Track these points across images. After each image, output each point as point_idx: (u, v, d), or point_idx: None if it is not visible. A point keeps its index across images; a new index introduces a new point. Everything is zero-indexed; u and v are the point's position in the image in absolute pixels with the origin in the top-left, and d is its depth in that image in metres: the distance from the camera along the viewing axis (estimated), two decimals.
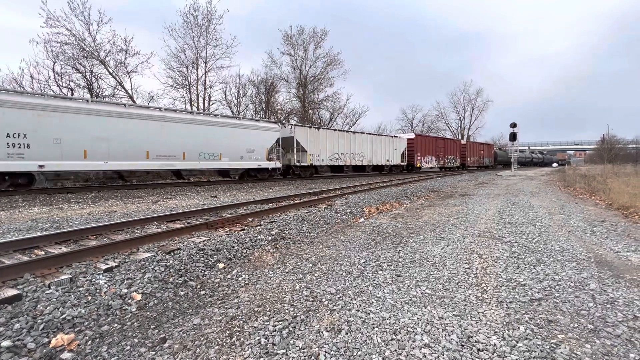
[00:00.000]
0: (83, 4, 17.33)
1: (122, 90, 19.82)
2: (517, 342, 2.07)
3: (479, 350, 1.99)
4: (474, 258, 3.83)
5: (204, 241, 4.28)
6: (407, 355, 1.95)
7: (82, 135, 9.88)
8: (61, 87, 17.39)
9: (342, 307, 2.59)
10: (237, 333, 2.22)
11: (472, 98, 52.70)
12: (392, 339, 2.12)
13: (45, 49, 16.89)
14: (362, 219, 6.41)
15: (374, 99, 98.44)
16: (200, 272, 3.40)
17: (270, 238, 4.65)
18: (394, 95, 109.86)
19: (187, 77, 23.12)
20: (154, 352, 2.01)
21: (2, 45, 28.51)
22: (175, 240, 4.37)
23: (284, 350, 2.01)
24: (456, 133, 52.60)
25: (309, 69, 31.40)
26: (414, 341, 2.09)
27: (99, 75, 18.79)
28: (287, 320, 2.38)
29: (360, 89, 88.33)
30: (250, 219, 5.79)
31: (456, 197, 10.02)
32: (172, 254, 3.73)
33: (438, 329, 2.24)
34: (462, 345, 2.04)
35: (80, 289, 2.76)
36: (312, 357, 1.94)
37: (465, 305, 2.60)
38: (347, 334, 2.19)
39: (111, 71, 19.15)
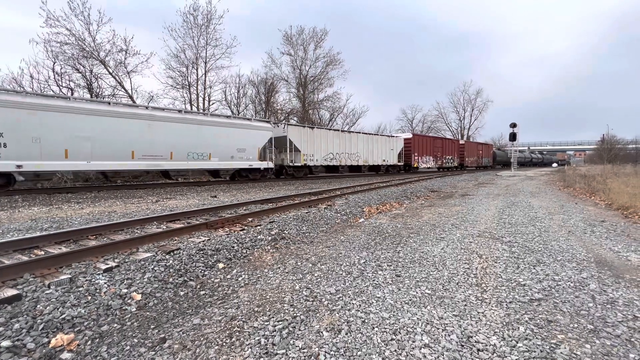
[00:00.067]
0: (83, 4, 17.35)
1: (122, 90, 19.81)
2: (517, 342, 2.07)
3: (478, 350, 1.99)
4: (474, 258, 3.83)
5: (203, 241, 4.28)
6: (407, 355, 1.95)
7: (63, 134, 9.54)
8: (61, 87, 17.38)
9: (342, 307, 2.59)
10: (237, 333, 2.21)
11: (472, 98, 52.81)
12: (392, 339, 2.12)
13: (45, 48, 16.88)
14: (362, 219, 6.41)
15: (374, 99, 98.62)
16: (200, 272, 3.40)
17: (270, 238, 4.65)
18: (394, 95, 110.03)
19: (187, 77, 23.12)
20: (153, 352, 2.01)
21: (2, 45, 28.52)
22: (175, 240, 4.37)
23: (283, 351, 2.00)
24: (456, 133, 52.66)
25: (309, 69, 31.43)
26: (413, 341, 2.09)
27: (98, 75, 18.79)
28: (287, 320, 2.38)
29: (360, 89, 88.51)
30: (250, 219, 5.79)
31: (456, 197, 10.02)
32: (172, 254, 3.73)
33: (438, 329, 2.24)
34: (462, 346, 2.04)
35: (80, 289, 2.76)
36: (312, 357, 1.94)
37: (465, 305, 2.60)
38: (347, 334, 2.19)
39: (111, 71, 19.13)
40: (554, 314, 2.46)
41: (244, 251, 4.11)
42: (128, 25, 40.82)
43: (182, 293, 2.94)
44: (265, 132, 15.24)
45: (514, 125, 27.90)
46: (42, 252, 3.71)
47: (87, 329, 2.28)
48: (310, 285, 3.04)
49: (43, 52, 17.37)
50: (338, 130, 20.64)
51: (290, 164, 16.72)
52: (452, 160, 31.06)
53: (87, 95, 17.78)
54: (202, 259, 3.69)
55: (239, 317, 2.43)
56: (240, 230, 4.96)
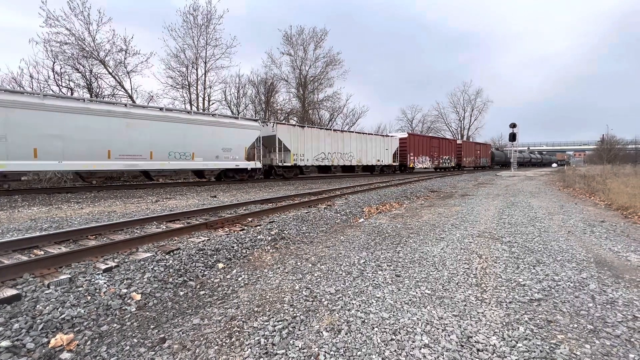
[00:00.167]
0: (83, 3, 17.34)
1: (122, 90, 19.81)
2: (517, 343, 2.07)
3: (478, 350, 1.99)
4: (474, 258, 3.83)
5: (203, 241, 4.28)
6: (407, 355, 1.95)
7: (31, 133, 9.02)
8: (61, 87, 17.38)
9: (341, 307, 2.59)
10: (237, 333, 2.21)
11: (471, 98, 52.80)
12: (392, 339, 2.12)
13: (44, 48, 16.87)
14: (362, 219, 6.41)
15: (374, 99, 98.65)
16: (200, 272, 3.40)
17: (269, 238, 4.65)
18: (394, 95, 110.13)
19: (187, 77, 23.13)
20: (153, 352, 2.01)
21: (2, 45, 28.50)
22: (175, 240, 4.36)
23: (283, 351, 2.00)
24: (456, 133, 52.67)
25: (309, 69, 31.41)
26: (413, 341, 2.09)
27: (98, 75, 18.78)
28: (287, 320, 2.37)
29: (360, 89, 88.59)
30: (249, 219, 5.79)
31: (456, 198, 10.02)
32: (171, 254, 3.73)
33: (438, 329, 2.24)
34: (462, 346, 2.04)
35: (80, 289, 2.76)
36: (312, 357, 1.94)
37: (465, 305, 2.60)
38: (346, 334, 2.19)
39: (111, 71, 19.13)
40: (553, 314, 2.46)
41: (244, 251, 4.11)
42: (128, 25, 40.75)
43: (181, 293, 2.94)
44: (252, 131, 14.70)
45: (513, 126, 27.93)
46: (42, 252, 3.70)
47: (86, 329, 2.27)
48: (310, 285, 3.03)
49: (43, 52, 17.45)
50: (330, 129, 20.00)
51: (280, 164, 16.33)
52: (449, 161, 30.87)
53: (87, 95, 17.77)
54: (202, 259, 3.69)
55: (239, 317, 2.43)
56: (240, 230, 4.96)
